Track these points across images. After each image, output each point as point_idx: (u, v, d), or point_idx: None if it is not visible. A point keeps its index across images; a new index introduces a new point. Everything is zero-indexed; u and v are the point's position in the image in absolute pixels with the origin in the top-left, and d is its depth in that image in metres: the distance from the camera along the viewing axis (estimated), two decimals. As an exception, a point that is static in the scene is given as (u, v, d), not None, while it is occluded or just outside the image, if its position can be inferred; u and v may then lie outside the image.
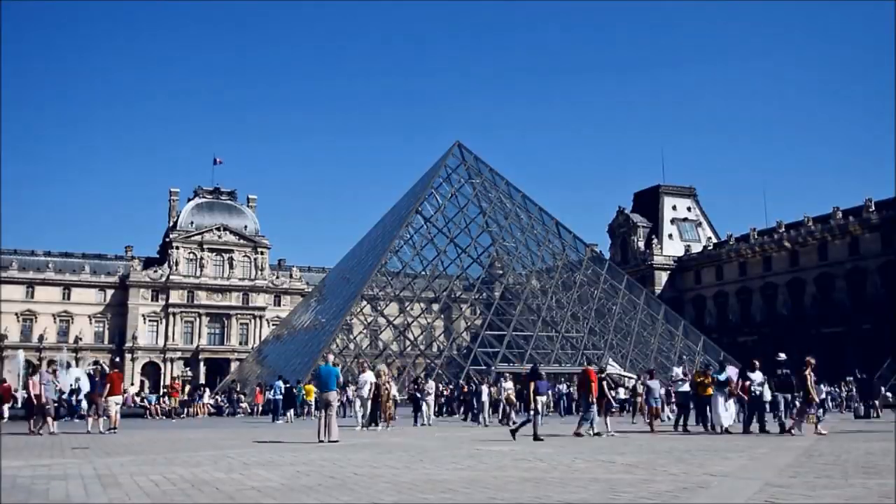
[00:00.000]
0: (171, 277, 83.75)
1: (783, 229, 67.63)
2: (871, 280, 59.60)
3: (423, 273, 49.20)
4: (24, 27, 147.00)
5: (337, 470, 9.00)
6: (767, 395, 18.49)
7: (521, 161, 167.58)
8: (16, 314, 80.00)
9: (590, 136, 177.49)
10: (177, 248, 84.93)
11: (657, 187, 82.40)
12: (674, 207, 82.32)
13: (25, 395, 24.00)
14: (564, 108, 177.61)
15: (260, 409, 34.78)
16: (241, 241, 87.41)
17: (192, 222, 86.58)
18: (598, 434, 16.26)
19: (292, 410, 29.04)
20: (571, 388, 32.21)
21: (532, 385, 16.36)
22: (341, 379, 16.28)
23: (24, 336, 79.40)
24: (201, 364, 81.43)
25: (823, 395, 28.24)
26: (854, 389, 31.00)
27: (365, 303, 47.28)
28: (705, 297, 74.08)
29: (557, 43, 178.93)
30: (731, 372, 19.42)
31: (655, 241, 77.92)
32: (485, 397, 24.35)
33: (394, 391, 22.94)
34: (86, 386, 29.25)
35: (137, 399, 38.01)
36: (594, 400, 16.91)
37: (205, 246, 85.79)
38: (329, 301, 49.10)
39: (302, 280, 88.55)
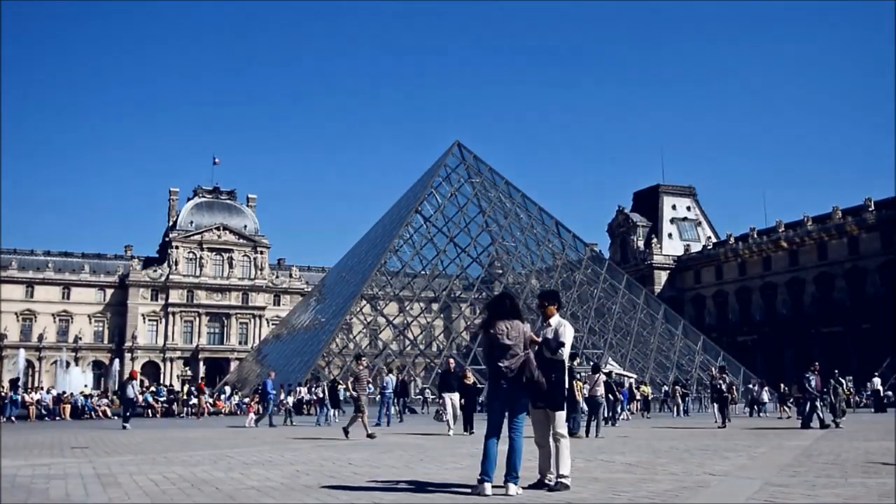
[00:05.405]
0: (170, 277, 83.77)
1: (783, 229, 67.64)
2: (871, 280, 59.61)
3: (423, 272, 49.20)
4: (25, 26, 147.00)
5: (337, 469, 9.00)
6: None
7: (521, 161, 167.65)
8: (15, 314, 79.99)
9: (590, 135, 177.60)
10: (176, 247, 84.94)
11: (657, 187, 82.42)
12: (673, 207, 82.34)
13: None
14: (565, 107, 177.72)
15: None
16: (241, 241, 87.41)
17: (191, 222, 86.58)
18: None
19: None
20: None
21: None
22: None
23: (23, 336, 79.42)
24: (201, 364, 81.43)
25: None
26: None
27: (364, 302, 47.29)
28: (705, 296, 74.09)
29: (558, 42, 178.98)
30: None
31: (655, 240, 77.94)
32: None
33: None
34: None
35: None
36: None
37: (204, 245, 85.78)
38: (329, 300, 49.09)
39: (302, 280, 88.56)
